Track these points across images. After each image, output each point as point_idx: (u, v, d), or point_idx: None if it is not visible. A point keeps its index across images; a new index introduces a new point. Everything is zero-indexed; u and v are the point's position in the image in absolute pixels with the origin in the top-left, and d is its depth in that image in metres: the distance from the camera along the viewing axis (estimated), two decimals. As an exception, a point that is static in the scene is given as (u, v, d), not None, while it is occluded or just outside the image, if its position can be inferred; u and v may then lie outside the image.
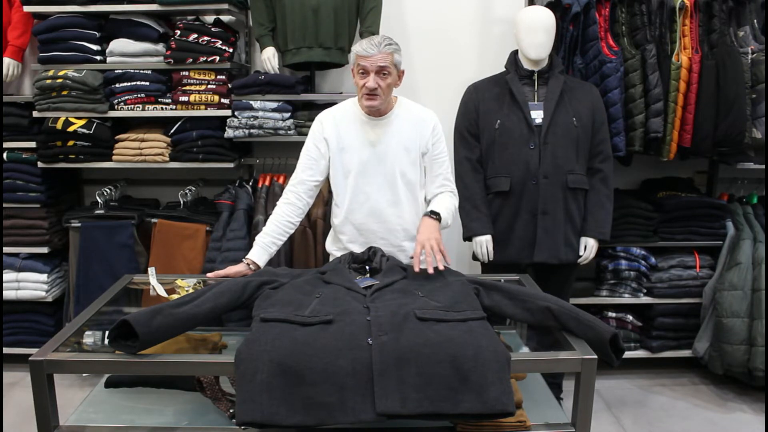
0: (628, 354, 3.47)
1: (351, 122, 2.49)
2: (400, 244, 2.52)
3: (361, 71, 2.36)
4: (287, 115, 3.34)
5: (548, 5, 3.07)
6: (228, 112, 3.37)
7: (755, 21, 3.20)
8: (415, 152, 2.48)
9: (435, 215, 2.39)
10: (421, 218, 2.43)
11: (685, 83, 3.15)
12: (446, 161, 2.54)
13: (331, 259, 2.64)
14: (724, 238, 3.44)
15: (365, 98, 2.38)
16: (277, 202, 2.57)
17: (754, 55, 3.12)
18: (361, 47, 2.35)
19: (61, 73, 3.33)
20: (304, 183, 2.53)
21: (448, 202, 2.49)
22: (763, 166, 3.42)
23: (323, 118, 2.54)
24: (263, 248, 2.48)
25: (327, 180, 2.60)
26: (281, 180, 3.47)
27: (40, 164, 3.46)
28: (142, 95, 3.39)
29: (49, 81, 3.33)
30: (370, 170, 2.47)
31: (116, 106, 3.41)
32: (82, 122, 3.37)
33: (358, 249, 2.47)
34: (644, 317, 3.59)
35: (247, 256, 2.47)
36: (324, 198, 3.27)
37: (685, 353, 3.56)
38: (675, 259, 3.50)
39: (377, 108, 2.41)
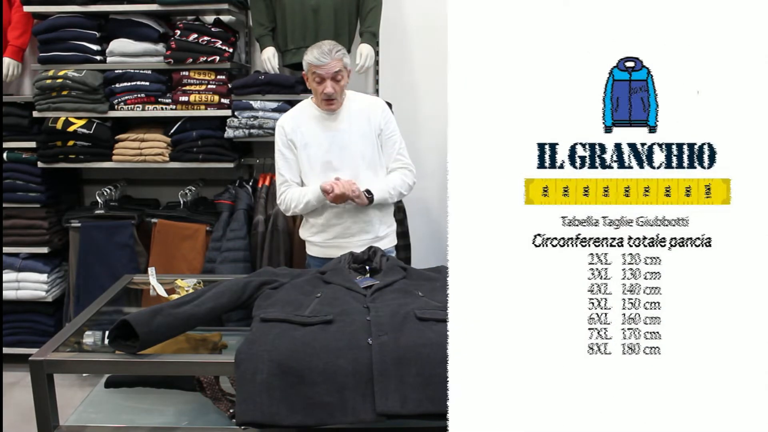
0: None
1: (309, 120, 2.68)
2: (370, 220, 2.69)
3: (317, 79, 2.58)
4: (287, 115, 3.34)
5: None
6: (228, 112, 3.37)
7: None
8: (371, 134, 2.68)
9: (368, 194, 2.60)
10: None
11: None
12: (398, 139, 2.74)
13: (307, 246, 2.81)
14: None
15: (325, 103, 2.62)
16: (285, 189, 2.70)
17: None
18: (313, 56, 2.56)
19: (61, 73, 3.33)
20: (292, 181, 2.71)
21: (395, 181, 2.69)
22: None
23: (283, 123, 2.71)
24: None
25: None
26: (281, 180, 3.47)
27: (40, 164, 3.47)
28: (142, 95, 3.39)
29: (49, 81, 3.33)
30: (335, 160, 2.65)
31: (116, 106, 3.42)
32: (82, 122, 3.37)
33: (332, 233, 2.69)
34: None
35: (318, 186, 2.59)
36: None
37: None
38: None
39: (335, 109, 2.65)
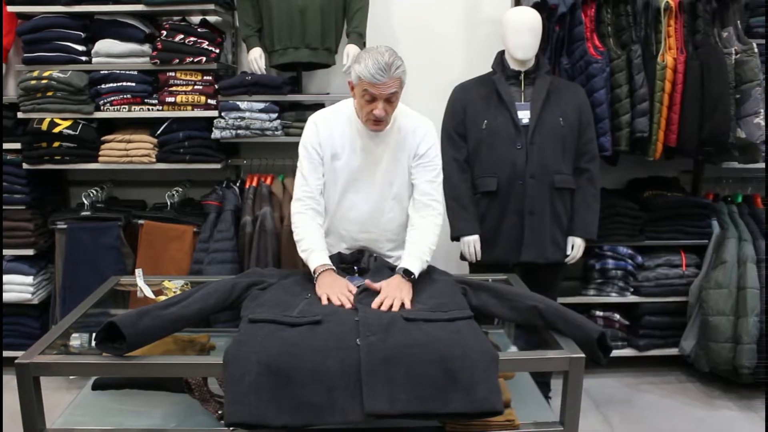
0: (615, 353, 3.49)
1: (346, 128, 2.35)
2: (383, 252, 2.45)
3: (367, 97, 2.17)
4: (274, 115, 3.33)
5: (534, 6, 3.08)
6: (215, 113, 3.36)
7: (738, 22, 3.23)
8: (405, 161, 2.36)
9: (408, 275, 2.16)
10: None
11: (671, 83, 3.16)
12: (435, 169, 2.37)
13: None
14: (709, 237, 3.47)
15: (371, 124, 2.24)
16: (301, 209, 2.35)
17: (738, 55, 3.15)
18: (369, 72, 2.11)
19: (45, 74, 3.31)
20: (317, 188, 2.38)
21: (426, 239, 2.29)
22: (747, 166, 3.44)
23: (317, 120, 2.38)
24: (325, 250, 2.31)
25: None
26: (268, 181, 3.46)
27: (25, 166, 3.44)
28: (128, 96, 3.37)
29: (33, 82, 3.31)
30: (360, 179, 2.36)
31: (102, 107, 3.39)
32: (67, 123, 3.35)
33: None
34: (631, 316, 3.61)
35: (323, 263, 2.22)
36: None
37: (672, 351, 3.58)
38: (661, 258, 3.52)
39: (381, 131, 2.29)
